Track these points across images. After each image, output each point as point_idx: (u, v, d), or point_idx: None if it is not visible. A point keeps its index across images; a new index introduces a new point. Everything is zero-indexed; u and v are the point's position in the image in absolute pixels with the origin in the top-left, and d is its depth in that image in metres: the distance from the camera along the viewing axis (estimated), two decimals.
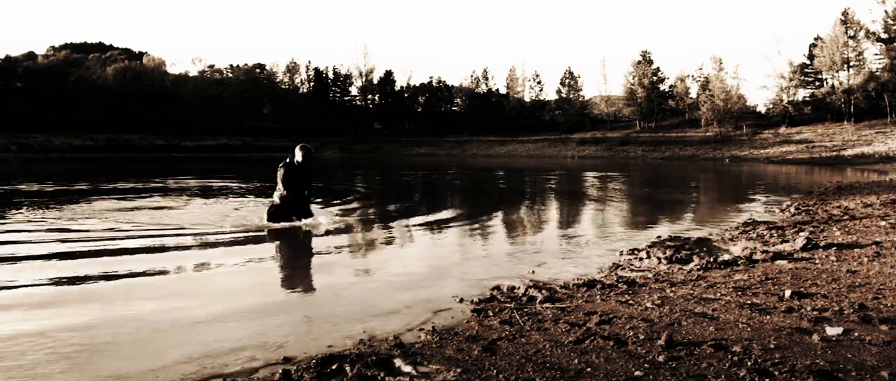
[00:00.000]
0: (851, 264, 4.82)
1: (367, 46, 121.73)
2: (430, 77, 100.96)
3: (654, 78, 71.82)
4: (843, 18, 56.95)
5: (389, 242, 7.23)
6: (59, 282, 4.73)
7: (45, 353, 3.10)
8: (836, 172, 27.08)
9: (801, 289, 4.02)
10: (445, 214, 10.03)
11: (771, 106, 64.54)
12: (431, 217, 9.51)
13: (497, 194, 15.78)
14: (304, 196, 7.93)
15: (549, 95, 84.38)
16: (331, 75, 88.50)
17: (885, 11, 54.05)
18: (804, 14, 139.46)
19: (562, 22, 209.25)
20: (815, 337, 2.96)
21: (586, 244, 6.84)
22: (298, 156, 7.74)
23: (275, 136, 77.93)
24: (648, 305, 3.75)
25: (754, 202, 12.34)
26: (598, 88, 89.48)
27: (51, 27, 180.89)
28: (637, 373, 2.58)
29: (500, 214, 10.40)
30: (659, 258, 5.60)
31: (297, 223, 7.74)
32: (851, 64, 57.05)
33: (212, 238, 7.01)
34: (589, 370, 2.65)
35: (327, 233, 7.62)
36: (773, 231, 7.17)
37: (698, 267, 5.06)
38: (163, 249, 6.37)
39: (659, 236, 7.23)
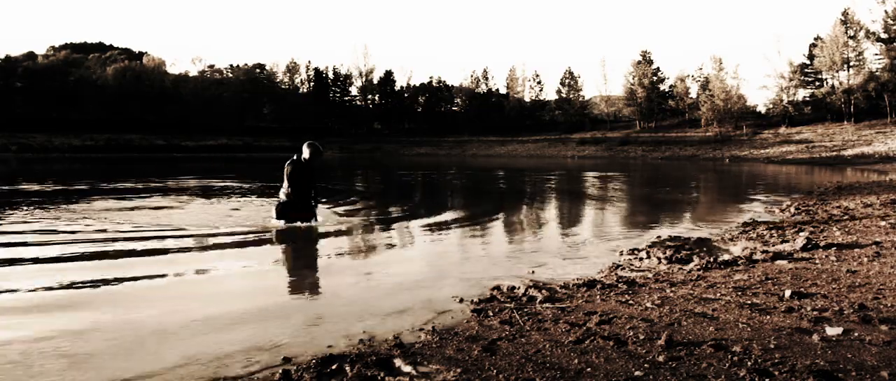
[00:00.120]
0: (851, 264, 4.82)
1: (367, 46, 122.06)
2: (430, 77, 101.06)
3: (654, 78, 71.81)
4: (843, 18, 56.96)
5: (389, 242, 7.22)
6: (58, 283, 4.73)
7: (46, 354, 3.10)
8: (836, 172, 27.08)
9: (801, 289, 4.02)
10: (445, 214, 10.03)
11: (771, 106, 64.55)
12: (431, 217, 9.51)
13: (497, 194, 15.78)
14: (311, 194, 7.94)
15: (549, 95, 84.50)
16: (331, 75, 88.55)
17: (885, 11, 54.08)
18: (804, 14, 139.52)
19: (562, 22, 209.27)
20: (815, 337, 2.96)
21: (586, 244, 6.84)
22: (306, 153, 7.76)
23: (275, 136, 77.96)
24: (648, 305, 3.75)
25: (754, 202, 12.34)
26: (598, 88, 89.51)
27: (51, 27, 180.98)
28: (637, 373, 2.58)
29: (500, 214, 10.39)
30: (659, 258, 5.60)
31: (300, 226, 7.74)
32: (851, 64, 57.05)
33: (211, 239, 7.01)
34: (589, 370, 2.65)
35: (327, 233, 7.62)
36: (773, 231, 7.17)
37: (698, 267, 5.06)
38: (162, 249, 6.37)
39: (659, 236, 7.23)
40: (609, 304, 3.85)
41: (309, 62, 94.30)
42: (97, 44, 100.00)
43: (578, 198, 14.52)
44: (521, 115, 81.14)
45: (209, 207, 10.82)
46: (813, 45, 61.99)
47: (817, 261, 5.05)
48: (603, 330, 3.21)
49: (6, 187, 15.33)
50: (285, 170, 7.71)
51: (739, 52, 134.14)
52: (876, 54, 56.12)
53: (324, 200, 8.27)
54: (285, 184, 7.76)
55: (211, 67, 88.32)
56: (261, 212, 9.80)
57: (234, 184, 17.42)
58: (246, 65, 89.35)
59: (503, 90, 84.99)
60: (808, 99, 62.27)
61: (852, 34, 56.64)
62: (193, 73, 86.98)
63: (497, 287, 4.46)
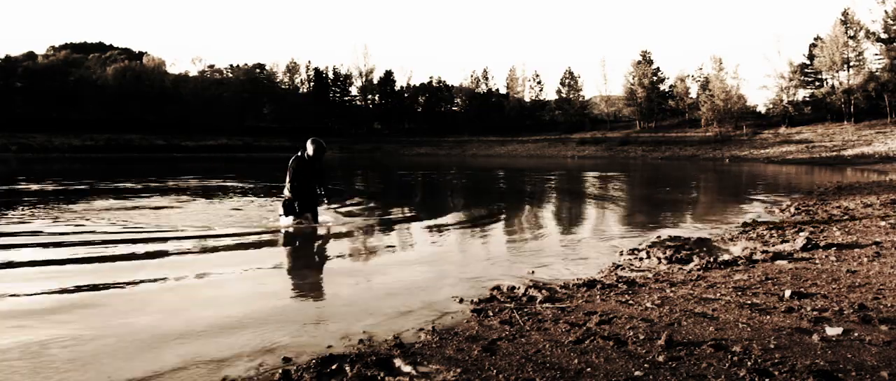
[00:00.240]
0: (851, 265, 4.82)
1: (367, 46, 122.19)
2: (430, 77, 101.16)
3: (654, 78, 71.83)
4: (843, 18, 56.97)
5: (389, 242, 7.22)
6: (58, 286, 4.72)
7: (46, 354, 3.10)
8: (836, 172, 27.08)
9: (801, 289, 4.02)
10: (445, 214, 10.02)
11: (771, 106, 64.57)
12: (431, 218, 9.51)
13: (497, 194, 15.78)
14: (315, 191, 7.93)
15: (549, 95, 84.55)
16: (331, 75, 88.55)
17: (885, 11, 54.10)
18: (804, 14, 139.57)
19: (562, 22, 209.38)
20: (815, 337, 2.95)
21: (586, 244, 6.84)
22: (310, 149, 7.76)
23: (275, 136, 77.95)
24: (648, 305, 3.75)
25: (754, 202, 12.34)
26: (598, 88, 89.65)
27: (51, 27, 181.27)
28: (637, 373, 2.58)
29: (500, 214, 10.39)
30: (659, 258, 5.60)
31: (302, 226, 7.74)
32: (851, 64, 57.07)
33: (211, 240, 7.01)
34: (589, 370, 2.65)
35: (328, 233, 7.62)
36: (773, 231, 7.17)
37: (698, 267, 5.06)
38: (162, 251, 6.36)
39: (659, 236, 7.23)
40: (609, 304, 3.85)
41: (309, 62, 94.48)
42: (97, 44, 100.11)
43: (578, 198, 14.52)
44: (521, 115, 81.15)
45: (209, 207, 10.82)
46: (813, 46, 62.02)
47: (817, 261, 5.05)
48: (603, 330, 3.21)
49: (5, 187, 15.32)
50: (290, 167, 7.72)
51: (739, 52, 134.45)
52: (876, 54, 56.16)
53: (326, 200, 8.25)
54: (289, 181, 7.76)
55: (211, 67, 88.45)
56: (261, 212, 9.80)
57: (235, 184, 17.42)
58: (246, 65, 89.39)
59: (503, 90, 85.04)
60: (808, 99, 62.29)
61: (852, 34, 56.66)
62: (193, 73, 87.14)
63: (497, 287, 4.46)
